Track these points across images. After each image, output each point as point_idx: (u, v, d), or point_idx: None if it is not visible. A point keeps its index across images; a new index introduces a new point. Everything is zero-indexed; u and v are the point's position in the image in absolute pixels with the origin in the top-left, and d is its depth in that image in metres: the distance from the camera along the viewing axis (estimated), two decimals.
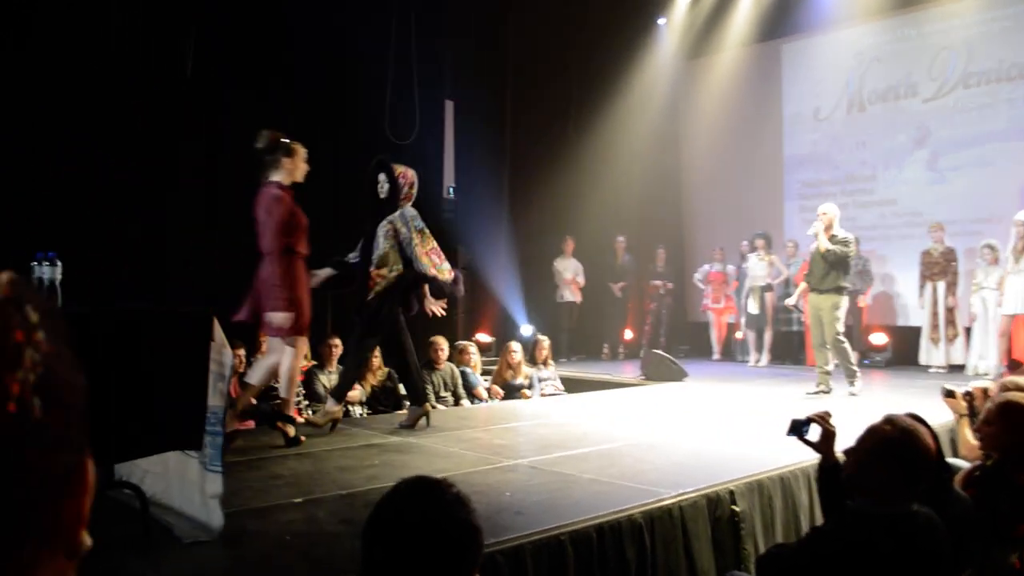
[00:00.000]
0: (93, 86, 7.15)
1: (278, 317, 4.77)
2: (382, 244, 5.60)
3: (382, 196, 5.69)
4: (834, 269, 7.64)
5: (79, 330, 1.74)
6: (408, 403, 6.12)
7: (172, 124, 7.71)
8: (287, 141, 4.96)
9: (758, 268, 11.19)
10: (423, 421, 5.79)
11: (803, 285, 8.19)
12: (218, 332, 3.24)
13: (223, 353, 3.25)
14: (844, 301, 7.79)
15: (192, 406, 3.17)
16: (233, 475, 3.94)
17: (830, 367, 7.78)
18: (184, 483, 3.37)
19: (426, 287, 5.79)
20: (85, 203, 7.23)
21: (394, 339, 5.77)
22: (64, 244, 4.70)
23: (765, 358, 11.16)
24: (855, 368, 7.75)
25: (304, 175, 5.04)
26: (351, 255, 5.80)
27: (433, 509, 1.50)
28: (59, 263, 3.64)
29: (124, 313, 3.27)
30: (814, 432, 3.05)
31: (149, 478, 3.49)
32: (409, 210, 5.66)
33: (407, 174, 5.75)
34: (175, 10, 7.70)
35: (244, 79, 8.22)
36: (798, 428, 3.05)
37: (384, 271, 5.56)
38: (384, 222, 5.63)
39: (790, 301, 8.68)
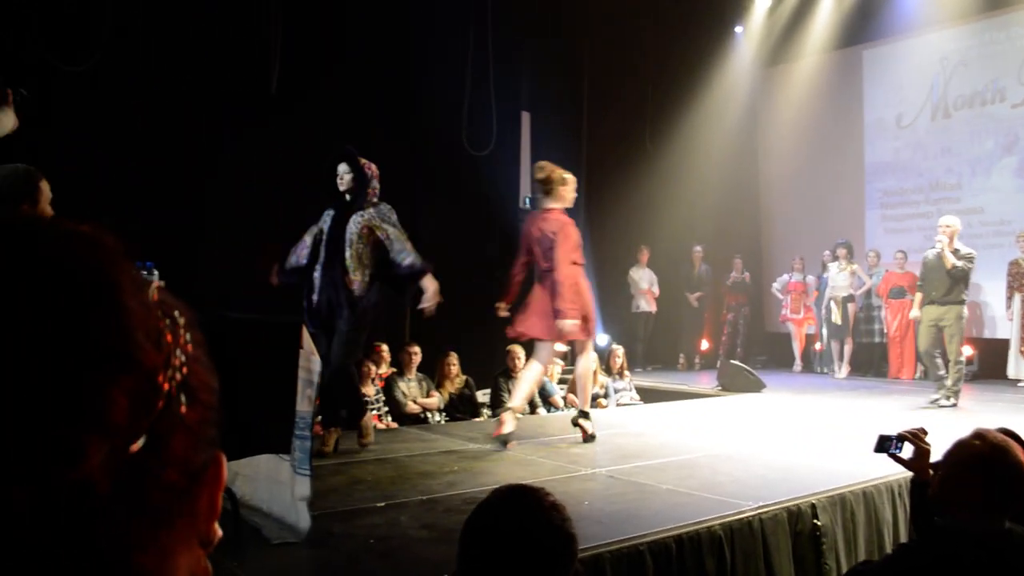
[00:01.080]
0: (181, 103, 7.42)
1: (568, 324, 5.35)
2: (355, 244, 5.04)
3: (342, 189, 5.17)
4: (957, 284, 7.75)
5: None
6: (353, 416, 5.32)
7: (257, 139, 7.94)
8: (563, 172, 5.62)
9: (840, 278, 10.97)
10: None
11: (919, 296, 8.23)
12: (306, 340, 3.35)
13: (311, 360, 3.36)
14: (966, 311, 7.99)
15: (282, 411, 3.28)
16: (318, 479, 4.05)
17: (944, 371, 7.84)
18: (274, 485, 3.48)
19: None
20: (177, 215, 7.51)
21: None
22: (158, 255, 4.91)
23: (845, 370, 10.94)
24: (959, 389, 7.79)
25: (573, 201, 5.71)
26: (293, 259, 5.35)
27: (529, 516, 1.54)
28: (156, 272, 3.81)
29: (218, 321, 3.40)
30: (907, 450, 2.94)
31: (239, 480, 3.62)
32: (384, 205, 5.20)
33: (372, 166, 5.23)
34: (259, 28, 7.94)
35: (325, 94, 8.43)
36: (887, 444, 2.94)
37: (358, 276, 5.05)
38: (353, 221, 5.08)
39: (914, 314, 8.47)
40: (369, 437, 5.19)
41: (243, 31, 7.88)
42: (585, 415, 5.65)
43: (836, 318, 10.93)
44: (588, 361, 5.77)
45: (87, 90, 6.70)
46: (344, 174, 5.13)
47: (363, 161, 5.18)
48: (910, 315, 9.06)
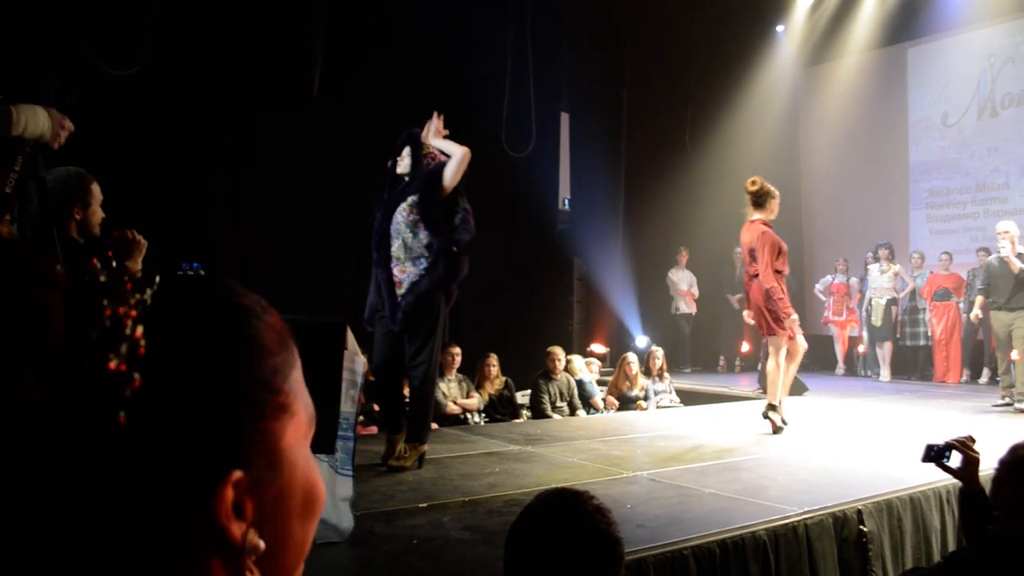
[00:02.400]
0: (225, 105, 7.52)
1: (776, 325, 6.03)
2: (402, 234, 4.68)
3: (399, 171, 4.82)
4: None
5: None
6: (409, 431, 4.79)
7: (300, 141, 8.02)
8: (771, 187, 6.25)
9: (882, 280, 10.79)
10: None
11: (979, 298, 8.34)
12: (351, 340, 3.36)
13: (355, 361, 3.38)
14: None
15: (325, 412, 3.29)
16: (360, 479, 4.07)
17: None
18: None
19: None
20: (223, 215, 7.63)
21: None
22: (204, 255, 4.98)
23: (886, 373, 10.75)
24: None
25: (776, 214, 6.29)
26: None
27: (574, 521, 1.53)
28: (203, 273, 3.85)
29: None
30: (955, 458, 2.87)
31: None
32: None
33: (438, 157, 4.87)
34: (301, 32, 8.00)
35: (365, 95, 8.49)
36: (935, 454, 2.87)
37: (407, 267, 4.69)
38: (400, 210, 4.72)
39: (975, 313, 8.50)
40: (407, 463, 4.69)
41: (285, 35, 7.96)
42: (773, 408, 6.11)
43: (876, 320, 10.76)
44: (778, 359, 6.19)
45: (134, 93, 6.81)
46: (406, 156, 4.84)
47: (430, 151, 4.89)
48: (971, 315, 8.95)
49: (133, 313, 0.51)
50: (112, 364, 0.49)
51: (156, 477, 0.50)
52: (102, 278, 0.53)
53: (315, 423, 0.61)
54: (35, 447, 0.48)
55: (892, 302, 10.75)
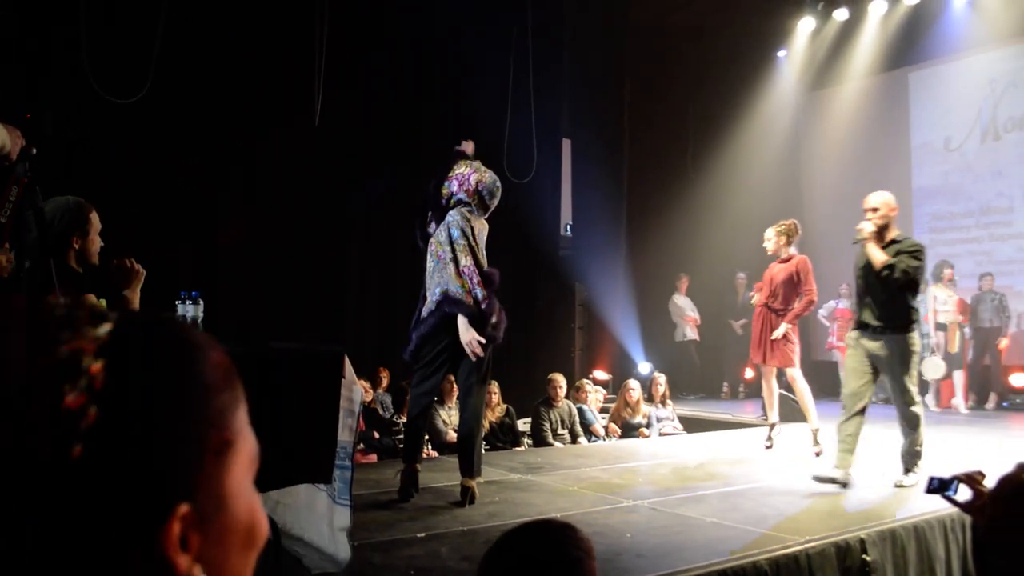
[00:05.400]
0: (226, 134, 7.56)
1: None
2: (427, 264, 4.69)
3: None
4: (900, 292, 4.97)
5: None
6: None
7: (302, 168, 8.04)
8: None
9: (950, 302, 10.17)
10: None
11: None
12: (348, 369, 3.35)
13: (353, 390, 3.36)
14: (918, 341, 5.12)
15: (323, 441, 3.27)
16: (358, 509, 4.04)
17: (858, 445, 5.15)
18: (313, 515, 3.47)
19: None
20: (223, 244, 7.64)
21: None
22: (204, 284, 4.98)
23: (962, 401, 10.14)
24: (921, 450, 5.13)
25: None
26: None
27: (549, 553, 1.49)
28: (201, 302, 3.84)
29: (261, 351, 3.42)
30: (963, 492, 2.77)
31: (280, 509, 3.61)
32: (451, 215, 4.63)
33: (465, 178, 4.75)
34: (303, 59, 8.04)
35: (368, 124, 8.54)
36: (938, 486, 2.79)
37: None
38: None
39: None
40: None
41: (286, 60, 8.01)
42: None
43: (953, 347, 10.16)
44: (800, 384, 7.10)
45: (135, 121, 6.84)
46: None
47: (459, 171, 4.82)
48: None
49: (91, 347, 0.52)
50: (69, 398, 0.50)
51: (106, 509, 0.51)
52: (59, 312, 0.54)
53: (259, 459, 0.62)
54: None
55: (961, 327, 10.29)
